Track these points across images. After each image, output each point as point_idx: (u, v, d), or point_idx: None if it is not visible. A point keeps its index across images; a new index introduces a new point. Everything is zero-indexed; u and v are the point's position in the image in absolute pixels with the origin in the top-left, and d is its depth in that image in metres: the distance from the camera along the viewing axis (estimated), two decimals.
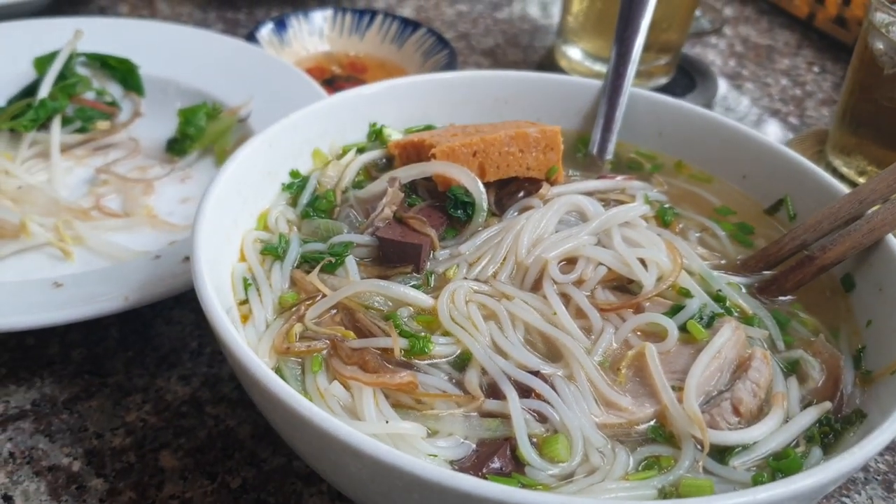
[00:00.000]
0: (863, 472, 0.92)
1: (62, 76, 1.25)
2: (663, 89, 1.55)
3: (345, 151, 0.96)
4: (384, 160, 0.96)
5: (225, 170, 0.81)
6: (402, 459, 0.56)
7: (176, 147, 1.22)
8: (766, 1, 2.02)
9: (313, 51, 1.48)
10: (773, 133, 1.53)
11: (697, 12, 1.90)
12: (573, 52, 1.55)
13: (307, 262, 0.82)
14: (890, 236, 0.83)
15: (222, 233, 0.79)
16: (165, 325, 1.00)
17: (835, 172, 1.33)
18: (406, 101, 1.01)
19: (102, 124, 1.24)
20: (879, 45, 1.24)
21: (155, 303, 0.99)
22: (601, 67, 1.49)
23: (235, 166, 0.82)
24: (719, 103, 1.60)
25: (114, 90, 1.32)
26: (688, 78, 1.61)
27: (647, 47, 1.49)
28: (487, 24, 1.81)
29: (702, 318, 0.77)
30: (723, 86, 1.66)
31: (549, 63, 1.62)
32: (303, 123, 0.91)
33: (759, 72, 1.73)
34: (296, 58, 1.45)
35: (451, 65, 1.38)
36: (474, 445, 0.68)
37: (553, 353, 0.75)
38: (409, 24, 1.50)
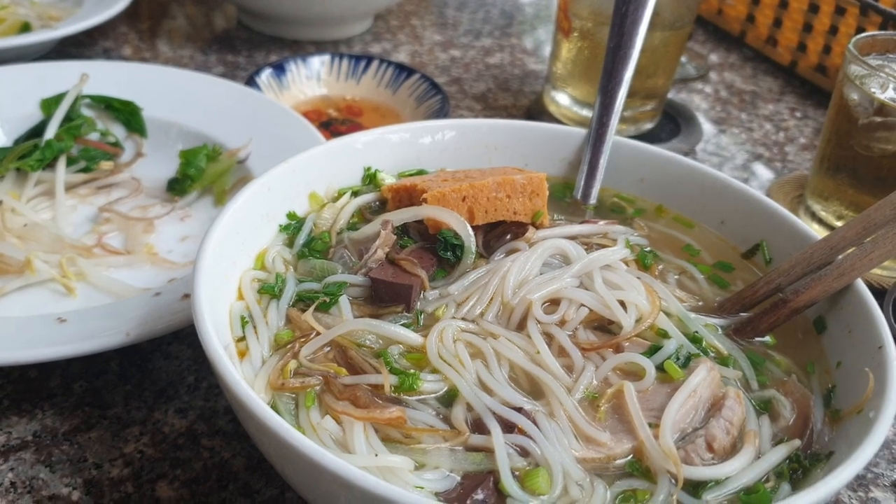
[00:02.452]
0: None
1: (68, 118, 1.30)
2: (649, 134, 1.61)
3: (340, 194, 1.00)
4: (378, 203, 1.00)
5: (225, 212, 0.85)
6: (391, 491, 0.59)
7: (177, 187, 1.26)
8: (750, 48, 2.09)
9: (311, 94, 1.53)
10: (755, 177, 1.58)
11: (683, 59, 1.96)
12: (561, 98, 1.60)
13: (302, 301, 0.85)
14: (859, 280, 0.87)
15: (221, 272, 0.83)
16: (164, 360, 1.03)
17: (813, 217, 1.38)
18: (399, 147, 1.05)
19: (106, 164, 1.28)
20: (854, 97, 1.29)
21: (154, 338, 1.03)
22: (588, 113, 1.55)
23: (235, 209, 0.86)
24: (704, 147, 1.65)
25: (117, 131, 1.37)
26: (673, 123, 1.66)
27: (633, 93, 1.56)
28: (479, 70, 1.86)
29: (678, 359, 0.81)
30: (708, 130, 1.71)
31: (538, 108, 1.68)
32: (301, 167, 0.96)
33: (743, 117, 1.79)
34: (294, 101, 1.50)
35: (443, 109, 1.43)
36: (459, 478, 0.71)
37: (536, 390, 0.79)
38: (404, 70, 1.55)
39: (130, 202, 1.25)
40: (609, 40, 1.11)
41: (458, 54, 1.93)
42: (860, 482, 0.99)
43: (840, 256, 0.89)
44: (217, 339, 0.71)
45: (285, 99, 1.48)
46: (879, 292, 1.27)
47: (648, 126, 1.62)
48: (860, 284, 0.87)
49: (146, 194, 1.28)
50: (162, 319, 0.94)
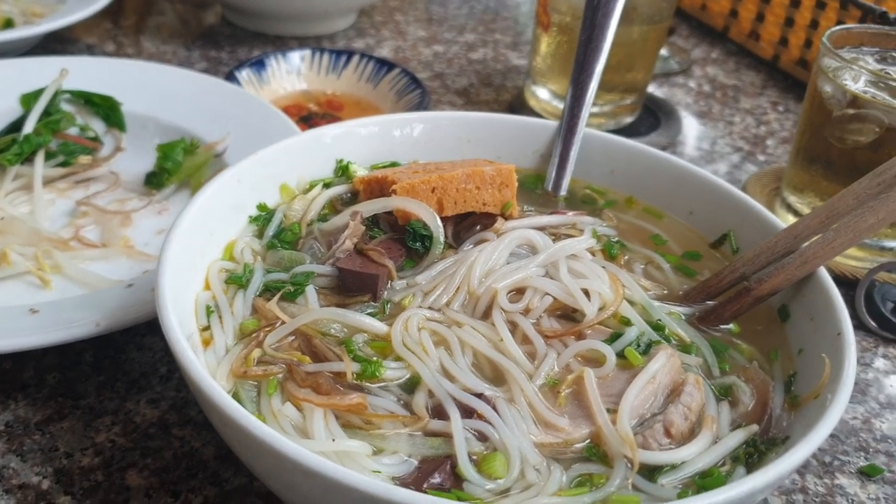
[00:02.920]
0: (801, 494, 0.96)
1: (47, 112, 1.30)
2: (629, 128, 1.62)
3: (311, 186, 1.01)
4: (349, 195, 1.01)
5: (193, 204, 0.86)
6: (345, 475, 0.60)
7: (154, 181, 1.27)
8: (733, 43, 2.09)
9: (291, 89, 1.54)
10: (735, 170, 1.59)
11: (665, 53, 1.97)
12: (541, 93, 1.61)
13: (270, 291, 0.86)
14: (822, 269, 0.88)
15: (188, 263, 0.84)
16: (137, 352, 1.04)
17: (789, 208, 1.39)
18: (372, 139, 1.06)
19: (84, 158, 1.29)
20: (827, 89, 1.30)
21: (128, 330, 1.04)
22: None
23: (203, 200, 0.87)
24: (685, 141, 1.66)
25: (97, 126, 1.37)
26: (653, 117, 1.67)
27: (612, 88, 1.57)
28: (462, 65, 1.87)
29: (639, 346, 0.82)
30: (689, 124, 1.72)
31: (519, 102, 1.68)
32: (271, 160, 0.96)
33: (725, 111, 1.80)
34: (274, 96, 1.51)
35: (422, 104, 1.44)
36: (417, 463, 0.72)
37: (498, 377, 0.80)
38: (385, 65, 1.56)
39: (108, 196, 1.26)
40: (581, 33, 1.12)
41: (441, 50, 1.94)
42: (826, 469, 1.00)
43: (804, 245, 0.90)
44: (178, 326, 0.72)
45: (265, 94, 1.49)
46: (852, 283, 1.28)
47: (628, 120, 1.63)
48: (823, 272, 0.88)
49: (124, 188, 1.29)
50: (132, 310, 0.95)
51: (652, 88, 1.85)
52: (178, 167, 1.25)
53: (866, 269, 1.26)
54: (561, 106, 1.58)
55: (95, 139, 1.35)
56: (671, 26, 2.09)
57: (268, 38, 1.87)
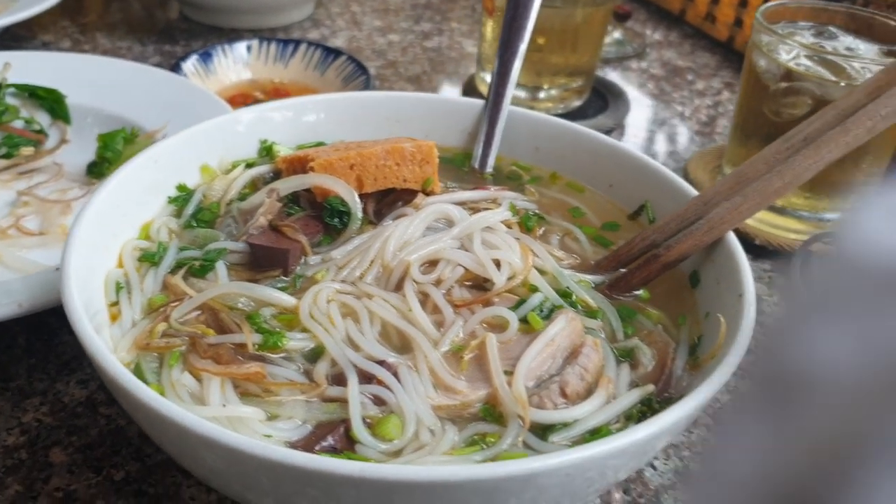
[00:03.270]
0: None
1: None
2: (577, 111, 1.63)
3: (234, 166, 1.02)
4: (271, 175, 1.02)
5: (106, 185, 0.87)
6: (215, 431, 0.61)
7: (95, 170, 1.28)
8: (690, 25, 2.11)
9: (237, 79, 1.55)
10: (684, 150, 1.60)
11: (621, 37, 1.98)
12: (490, 78, 1.62)
13: (181, 268, 0.88)
14: (730, 234, 0.90)
15: (101, 243, 0.85)
16: (70, 335, 1.04)
17: None
18: (297, 119, 1.08)
19: (27, 150, 1.30)
20: (762, 64, 1.31)
21: (61, 314, 1.05)
22: (516, 91, 1.56)
23: (117, 181, 0.88)
24: (634, 122, 1.67)
25: (42, 119, 1.39)
26: (602, 100, 1.68)
27: (559, 71, 1.58)
28: (416, 53, 1.89)
29: (542, 311, 0.83)
30: (639, 106, 1.73)
31: (470, 88, 1.70)
32: (191, 141, 0.98)
33: (677, 93, 1.81)
34: (220, 86, 1.52)
35: (366, 89, 1.46)
36: (312, 428, 0.73)
37: (406, 345, 0.81)
38: (331, 52, 1.58)
39: (51, 186, 1.28)
40: (505, 13, 1.13)
41: (396, 38, 1.95)
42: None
43: (713, 211, 0.91)
44: (78, 297, 0.73)
45: (211, 84, 1.51)
46: (789, 254, 1.30)
47: (577, 104, 1.64)
48: (731, 237, 0.89)
49: (67, 178, 1.30)
50: (56, 291, 0.96)
51: (607, 72, 1.86)
52: (119, 156, 1.27)
53: (801, 242, 1.27)
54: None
55: (40, 132, 1.36)
56: (628, 11, 2.10)
57: (223, 32, 1.89)
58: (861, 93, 0.93)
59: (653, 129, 1.67)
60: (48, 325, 1.07)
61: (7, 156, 1.30)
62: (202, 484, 0.88)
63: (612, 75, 1.86)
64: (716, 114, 1.74)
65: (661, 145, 1.60)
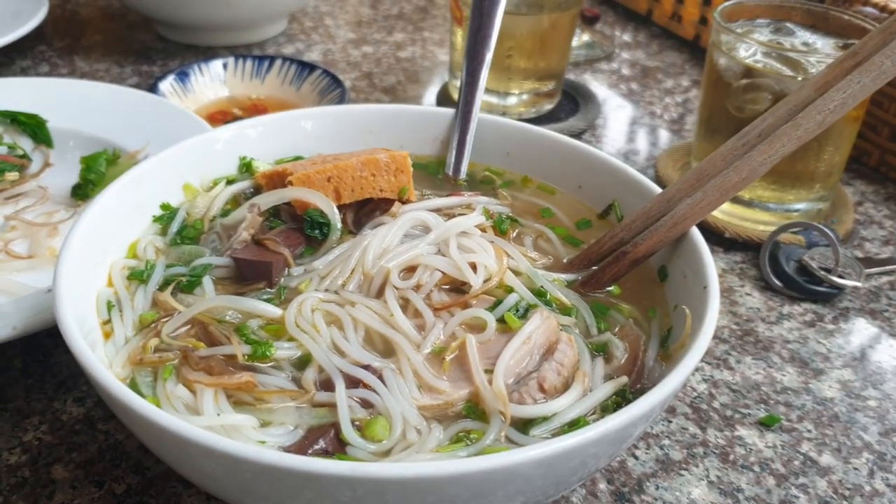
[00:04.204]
0: (702, 447, 1.02)
1: None
2: (549, 115, 1.67)
3: (215, 184, 1.06)
4: (252, 190, 1.06)
5: (93, 206, 0.90)
6: (213, 439, 0.65)
7: (80, 192, 1.31)
8: (657, 25, 2.15)
9: (214, 97, 1.59)
10: (653, 148, 1.64)
11: (589, 39, 2.03)
12: None
13: (170, 285, 0.91)
14: (694, 228, 0.94)
15: (90, 262, 0.88)
16: (65, 354, 1.08)
17: None
18: (276, 135, 1.11)
19: (11, 175, 1.33)
20: (722, 62, 1.36)
21: (56, 334, 1.07)
22: (486, 98, 1.61)
23: (103, 202, 0.92)
24: (604, 124, 1.72)
25: (25, 143, 1.41)
26: (573, 103, 1.73)
27: (529, 75, 1.62)
28: (390, 63, 1.92)
29: (518, 310, 0.87)
30: (610, 107, 1.78)
31: (444, 96, 1.74)
32: (172, 160, 1.01)
33: (646, 92, 1.86)
34: (198, 104, 1.55)
35: (342, 102, 1.49)
36: (303, 433, 0.77)
37: (389, 350, 0.85)
38: (306, 67, 1.61)
39: (37, 209, 1.30)
40: (471, 23, 1.17)
41: (370, 50, 1.99)
42: (727, 422, 1.05)
43: (676, 208, 0.96)
44: (73, 317, 0.76)
45: (189, 103, 1.54)
46: (756, 246, 1.34)
47: (548, 107, 1.68)
48: (695, 232, 0.93)
49: (52, 201, 1.33)
50: (49, 312, 0.99)
51: (576, 75, 1.91)
52: (102, 178, 1.30)
53: (768, 234, 1.32)
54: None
55: (24, 156, 1.39)
56: (596, 14, 2.15)
57: (199, 50, 1.92)
58: (810, 88, 0.98)
59: (624, 128, 1.71)
60: (43, 346, 1.10)
61: None
62: (202, 493, 0.91)
63: (583, 78, 1.90)
64: (685, 111, 1.78)
65: (633, 144, 1.65)
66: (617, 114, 1.76)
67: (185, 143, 1.02)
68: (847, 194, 1.49)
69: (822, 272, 1.26)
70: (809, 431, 1.05)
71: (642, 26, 2.17)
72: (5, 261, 1.19)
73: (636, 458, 1.00)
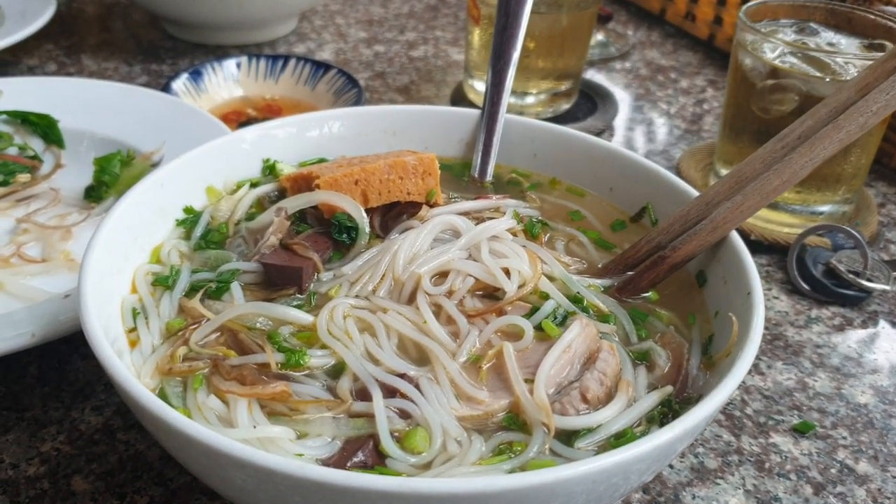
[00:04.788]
0: (737, 455, 0.99)
1: None
2: (566, 115, 1.65)
3: (238, 187, 1.03)
4: (277, 193, 1.03)
5: (114, 210, 0.88)
6: (260, 456, 0.62)
7: (93, 194, 1.28)
8: (671, 25, 2.13)
9: (228, 97, 1.56)
10: (672, 148, 1.62)
11: (604, 39, 2.01)
12: (479, 85, 1.64)
13: (196, 291, 0.88)
14: (734, 233, 0.91)
15: (113, 268, 0.85)
16: (81, 361, 1.06)
17: None
18: (299, 137, 1.09)
19: (23, 177, 1.30)
20: (748, 62, 1.34)
21: (71, 340, 1.06)
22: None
23: (124, 207, 0.89)
24: (623, 124, 1.69)
25: (36, 144, 1.39)
26: (590, 102, 1.70)
27: (547, 75, 1.60)
28: (403, 63, 1.90)
29: (556, 318, 0.85)
30: (627, 107, 1.76)
31: (459, 96, 1.71)
32: (195, 163, 0.98)
33: (661, 92, 1.83)
34: (212, 104, 1.52)
35: (358, 102, 1.47)
36: (341, 444, 0.74)
37: (423, 357, 0.82)
38: (321, 66, 1.59)
39: (49, 212, 1.28)
40: (496, 22, 1.15)
41: (382, 49, 1.96)
42: (761, 429, 1.03)
43: (715, 211, 0.93)
44: (100, 327, 0.73)
45: (203, 103, 1.51)
46: (785, 249, 1.32)
47: (565, 107, 1.66)
48: (734, 236, 0.91)
49: (64, 203, 1.30)
50: (68, 319, 0.96)
51: (591, 74, 1.88)
52: (116, 179, 1.27)
53: (795, 236, 1.30)
54: None
55: (35, 157, 1.36)
56: (609, 13, 2.13)
57: (209, 49, 1.89)
58: (851, 89, 0.95)
59: (641, 129, 1.69)
60: (58, 352, 1.07)
61: (3, 183, 1.30)
62: None
63: (597, 77, 1.88)
64: (701, 111, 1.76)
65: (651, 145, 1.63)
66: (633, 113, 1.74)
67: (210, 143, 0.99)
68: (870, 196, 1.47)
69: (851, 275, 1.24)
70: (844, 438, 1.03)
71: (655, 25, 2.15)
72: (19, 265, 1.16)
73: (671, 466, 0.97)
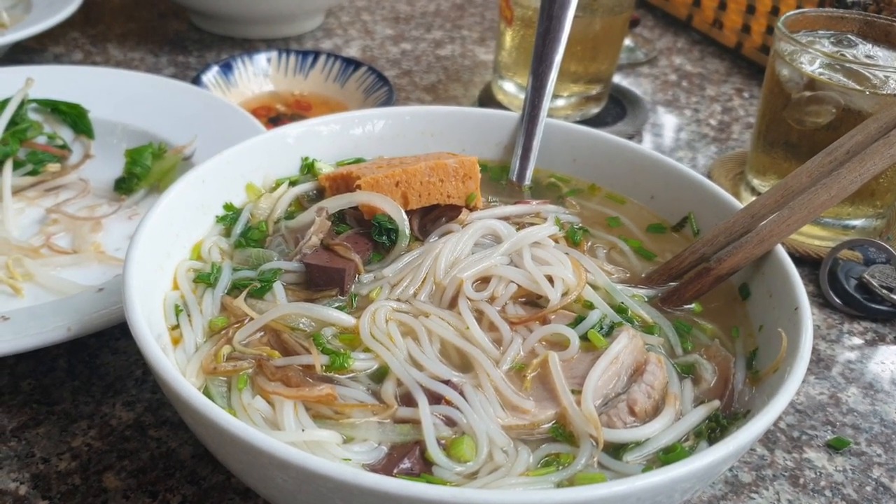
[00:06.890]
0: (770, 469, 0.98)
1: (13, 122, 1.30)
2: (596, 119, 1.64)
3: (277, 185, 1.02)
4: (315, 192, 1.02)
5: (158, 205, 0.87)
6: (313, 462, 0.61)
7: (123, 186, 1.27)
8: (697, 31, 2.12)
9: (258, 91, 1.55)
10: (700, 156, 1.61)
11: (631, 44, 1.99)
12: (508, 86, 1.63)
13: (238, 289, 0.87)
14: (779, 246, 0.90)
15: (156, 264, 0.85)
16: (112, 355, 1.05)
17: (753, 191, 1.41)
18: (337, 136, 1.08)
19: (53, 167, 1.29)
20: (785, 73, 1.32)
21: (101, 334, 1.05)
22: None
23: (168, 202, 0.88)
24: (651, 130, 1.68)
25: (65, 134, 1.38)
26: (619, 107, 1.69)
27: (578, 78, 1.59)
28: (430, 62, 1.89)
29: (602, 328, 0.84)
30: (655, 113, 1.74)
31: (487, 97, 1.70)
32: (236, 159, 0.98)
33: (690, 99, 1.82)
34: (242, 98, 1.51)
35: (389, 101, 1.46)
36: (387, 449, 0.73)
37: (465, 364, 0.81)
38: (351, 63, 1.57)
39: (78, 203, 1.27)
40: (539, 25, 1.14)
41: (409, 47, 1.95)
42: (795, 444, 1.02)
43: (761, 224, 0.92)
44: (147, 326, 0.73)
45: (233, 96, 1.50)
46: (817, 262, 1.31)
47: (595, 111, 1.65)
48: (780, 250, 0.90)
49: (94, 194, 1.29)
50: (103, 314, 0.95)
51: (618, 79, 1.87)
52: (147, 172, 1.26)
53: (830, 249, 1.29)
54: None
55: (64, 147, 1.35)
56: (636, 18, 2.11)
57: (235, 42, 1.88)
58: None
59: (671, 135, 1.68)
60: (87, 346, 1.06)
61: (33, 172, 1.29)
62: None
63: (625, 82, 1.87)
64: (730, 119, 1.75)
65: (681, 152, 1.61)
66: (663, 120, 1.73)
67: (253, 139, 0.99)
68: None
69: (884, 291, 1.23)
70: (879, 456, 1.02)
71: (682, 32, 2.14)
72: (49, 255, 1.15)
73: None
